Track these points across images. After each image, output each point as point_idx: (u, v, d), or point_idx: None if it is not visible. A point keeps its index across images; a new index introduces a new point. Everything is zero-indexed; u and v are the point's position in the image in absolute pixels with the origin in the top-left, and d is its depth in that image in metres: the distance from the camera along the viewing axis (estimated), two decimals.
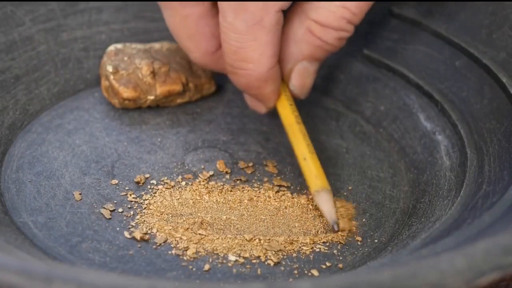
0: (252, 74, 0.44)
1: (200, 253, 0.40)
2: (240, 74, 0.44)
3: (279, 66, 0.45)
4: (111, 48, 0.49)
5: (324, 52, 0.45)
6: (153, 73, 0.48)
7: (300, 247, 0.41)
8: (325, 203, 0.42)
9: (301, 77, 0.46)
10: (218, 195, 0.43)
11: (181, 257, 0.40)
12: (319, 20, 0.44)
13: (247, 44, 0.42)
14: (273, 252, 0.40)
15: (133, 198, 0.43)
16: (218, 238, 0.41)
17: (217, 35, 0.44)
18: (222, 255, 0.40)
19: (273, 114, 0.50)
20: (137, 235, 0.40)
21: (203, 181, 0.44)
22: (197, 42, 0.45)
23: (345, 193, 0.45)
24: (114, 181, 0.44)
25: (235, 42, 0.42)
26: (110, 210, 0.42)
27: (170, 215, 0.42)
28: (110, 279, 0.27)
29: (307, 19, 0.44)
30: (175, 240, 0.40)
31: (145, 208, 0.42)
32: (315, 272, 0.40)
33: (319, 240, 0.41)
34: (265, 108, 0.47)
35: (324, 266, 0.40)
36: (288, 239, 0.41)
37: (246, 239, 0.41)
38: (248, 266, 0.39)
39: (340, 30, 0.44)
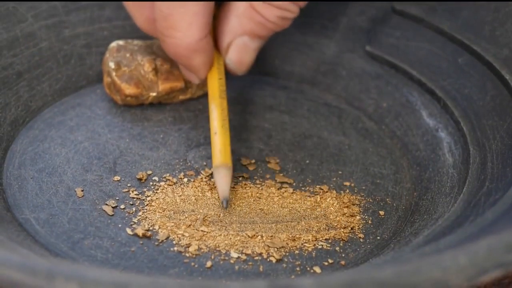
0: (180, 43, 0.44)
1: (202, 250, 0.40)
2: (169, 42, 0.44)
3: (216, 40, 0.45)
4: (113, 44, 0.49)
5: (265, 29, 0.45)
6: (155, 70, 0.48)
7: (302, 244, 0.41)
8: (221, 178, 0.42)
9: (239, 52, 0.46)
10: None
11: (183, 253, 0.40)
12: None
13: (176, 11, 0.42)
14: (275, 249, 0.40)
15: (135, 194, 0.43)
16: (220, 235, 0.41)
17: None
18: (224, 252, 0.40)
19: (274, 112, 0.50)
20: (139, 231, 0.40)
21: (205, 177, 0.44)
22: (139, 9, 0.45)
23: (347, 190, 0.45)
24: (116, 178, 0.44)
25: (165, 9, 0.43)
26: (112, 207, 0.42)
27: (172, 211, 0.42)
28: (112, 276, 0.27)
29: None
30: (177, 236, 0.40)
31: (147, 204, 0.42)
32: (317, 269, 0.39)
33: (322, 237, 0.41)
34: (197, 79, 0.47)
35: (326, 263, 0.40)
36: (290, 236, 0.41)
37: (248, 235, 0.41)
38: (250, 263, 0.39)
39: (283, 9, 0.44)
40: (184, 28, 0.43)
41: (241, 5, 0.45)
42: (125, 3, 0.46)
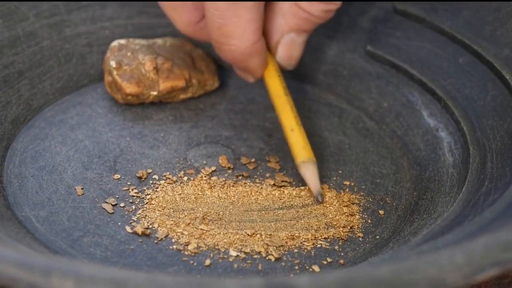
0: (236, 49, 0.45)
1: (201, 248, 0.40)
2: (225, 49, 0.45)
3: (265, 40, 0.46)
4: (115, 43, 0.49)
5: (311, 24, 0.46)
6: (156, 69, 0.48)
7: (301, 243, 0.41)
8: (311, 173, 0.43)
9: (288, 48, 0.47)
10: (220, 190, 0.43)
11: (182, 252, 0.40)
12: None
13: (229, 21, 0.43)
14: (274, 248, 0.40)
15: (135, 193, 0.43)
16: (220, 233, 0.41)
17: (199, 7, 0.45)
18: (223, 250, 0.40)
19: (275, 111, 0.50)
20: (139, 229, 0.40)
21: (205, 176, 0.44)
22: (180, 13, 0.46)
23: (347, 189, 0.45)
24: (116, 176, 0.44)
25: (218, 19, 0.43)
26: (112, 205, 0.42)
27: (172, 210, 0.42)
28: (109, 272, 0.27)
29: None
30: (177, 235, 0.40)
31: (147, 203, 0.42)
32: (316, 268, 0.40)
33: (321, 236, 0.41)
34: (253, 78, 0.48)
35: (325, 262, 0.40)
36: (290, 234, 0.41)
37: (247, 234, 0.41)
38: (249, 262, 0.39)
39: (326, 3, 0.44)
40: (238, 35, 0.44)
41: (285, 3, 0.46)
42: (163, 6, 0.47)
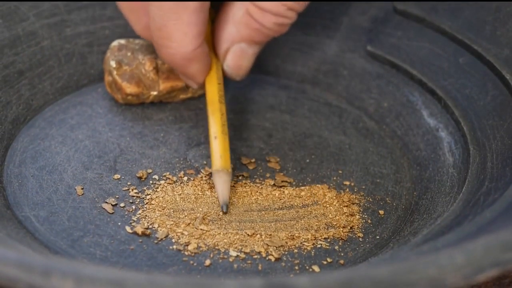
0: (176, 52, 0.44)
1: (201, 248, 0.40)
2: (164, 52, 0.44)
3: (214, 46, 0.46)
4: (115, 43, 0.49)
5: (263, 36, 0.45)
6: (156, 69, 0.48)
7: (301, 243, 0.41)
8: (221, 183, 0.42)
9: (237, 58, 0.46)
10: None
11: (182, 252, 0.40)
12: (259, 4, 0.44)
13: (170, 22, 0.43)
14: (274, 248, 0.40)
15: (135, 193, 0.43)
16: (220, 233, 0.41)
17: None
18: (223, 251, 0.40)
19: (275, 111, 0.50)
20: (139, 230, 0.40)
21: (205, 176, 0.44)
22: (137, 16, 0.46)
23: (347, 189, 0.45)
24: (116, 176, 0.44)
25: (159, 19, 0.43)
26: (112, 205, 0.42)
27: (172, 210, 0.42)
28: (108, 273, 0.27)
29: (247, 1, 0.44)
30: (177, 235, 0.40)
31: (147, 203, 0.42)
32: (316, 268, 0.40)
33: (321, 236, 0.41)
34: (195, 84, 0.47)
35: (325, 262, 0.40)
36: (290, 234, 0.41)
37: (247, 234, 0.41)
38: (249, 262, 0.39)
39: (279, 16, 0.44)
40: (178, 38, 0.43)
41: (238, 12, 0.45)
42: (121, 9, 0.46)
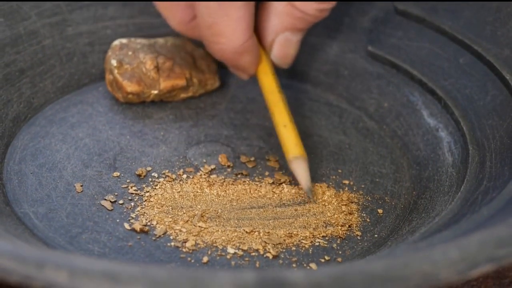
0: (227, 48, 0.45)
1: (199, 245, 0.40)
2: (215, 48, 0.45)
3: (259, 38, 0.46)
4: (116, 42, 0.50)
5: (305, 22, 0.46)
6: (157, 68, 0.48)
7: (299, 241, 0.41)
8: (302, 169, 0.43)
9: (283, 47, 0.47)
10: (219, 188, 0.44)
11: (180, 249, 0.40)
12: None
13: (219, 19, 0.43)
14: (272, 245, 0.40)
15: (134, 190, 0.43)
16: (218, 230, 0.41)
17: (191, 6, 0.46)
18: (221, 248, 0.40)
19: None
20: (137, 226, 0.40)
21: (204, 174, 0.44)
22: (173, 12, 0.46)
23: (346, 188, 0.45)
24: (116, 174, 0.44)
25: (208, 18, 0.44)
26: (111, 202, 0.42)
27: (171, 207, 0.42)
28: (102, 265, 0.28)
29: None
30: (175, 232, 0.40)
31: (145, 200, 0.42)
32: (313, 266, 0.40)
33: (319, 234, 0.41)
34: (246, 76, 0.48)
35: (323, 260, 0.40)
36: (288, 232, 0.41)
37: (245, 231, 0.41)
38: (246, 259, 0.39)
39: (321, 2, 0.44)
40: (228, 34, 0.44)
41: (279, 3, 0.46)
42: (157, 5, 0.47)
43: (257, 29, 0.47)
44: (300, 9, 0.45)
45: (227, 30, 0.44)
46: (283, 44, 0.47)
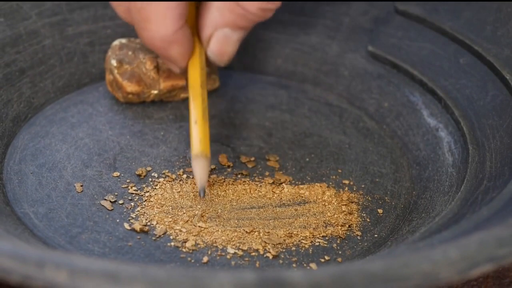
0: (155, 35, 0.43)
1: (199, 245, 0.40)
2: (144, 34, 0.44)
3: (195, 32, 0.45)
4: (116, 42, 0.50)
5: (247, 21, 0.44)
6: (157, 68, 0.48)
7: (299, 241, 0.41)
8: (200, 168, 0.42)
9: (221, 43, 0.45)
10: (219, 188, 0.43)
11: (180, 249, 0.40)
12: None
13: (148, 4, 0.42)
14: (272, 245, 0.40)
15: (134, 190, 0.43)
16: (218, 230, 0.41)
17: None
18: (221, 248, 0.40)
19: (275, 111, 0.50)
20: (137, 226, 0.40)
21: None
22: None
23: (346, 188, 0.45)
24: (116, 174, 0.44)
25: (138, 2, 0.42)
26: (110, 202, 0.42)
27: (170, 207, 0.42)
28: (102, 264, 0.28)
29: None
30: (175, 232, 0.40)
31: (145, 200, 0.42)
32: (313, 266, 0.40)
33: (319, 234, 0.41)
34: (177, 68, 0.46)
35: (323, 260, 0.40)
36: (288, 232, 0.41)
37: (245, 231, 0.41)
38: (246, 259, 0.39)
39: (264, 1, 0.43)
40: (157, 20, 0.43)
41: None
42: None
43: (197, 22, 0.46)
44: (242, 6, 0.43)
45: (156, 17, 0.42)
46: (221, 40, 0.45)
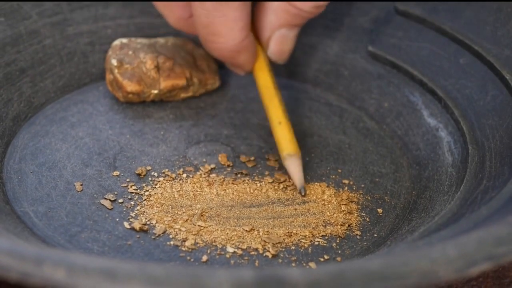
0: (224, 47, 0.45)
1: (198, 244, 0.40)
2: (212, 47, 0.46)
3: (256, 35, 0.47)
4: (116, 42, 0.50)
5: (301, 19, 0.46)
6: (157, 67, 0.48)
7: (299, 240, 0.41)
8: (295, 167, 0.43)
9: (279, 43, 0.47)
10: (219, 187, 0.44)
11: (179, 248, 0.40)
12: None
13: (216, 20, 0.44)
14: (272, 244, 0.40)
15: (134, 189, 0.43)
16: (217, 229, 0.41)
17: (189, 4, 0.46)
18: (220, 247, 0.40)
19: None
20: (136, 225, 0.40)
21: (204, 173, 0.44)
22: (171, 9, 0.47)
23: (346, 188, 0.45)
24: (116, 173, 0.44)
25: (205, 18, 0.44)
26: (110, 201, 0.42)
27: (170, 206, 0.42)
28: (100, 262, 0.28)
29: None
30: (174, 231, 0.41)
31: (145, 199, 0.42)
32: (312, 265, 0.40)
33: (318, 234, 0.41)
34: (243, 72, 0.48)
35: (322, 259, 0.40)
36: (287, 231, 0.41)
37: (245, 230, 0.41)
38: (246, 258, 0.39)
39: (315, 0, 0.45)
40: (226, 34, 0.45)
41: (275, 1, 0.46)
42: (155, 3, 0.47)
43: (254, 26, 0.47)
44: (296, 6, 0.45)
45: (224, 30, 0.44)
46: (279, 40, 0.47)
